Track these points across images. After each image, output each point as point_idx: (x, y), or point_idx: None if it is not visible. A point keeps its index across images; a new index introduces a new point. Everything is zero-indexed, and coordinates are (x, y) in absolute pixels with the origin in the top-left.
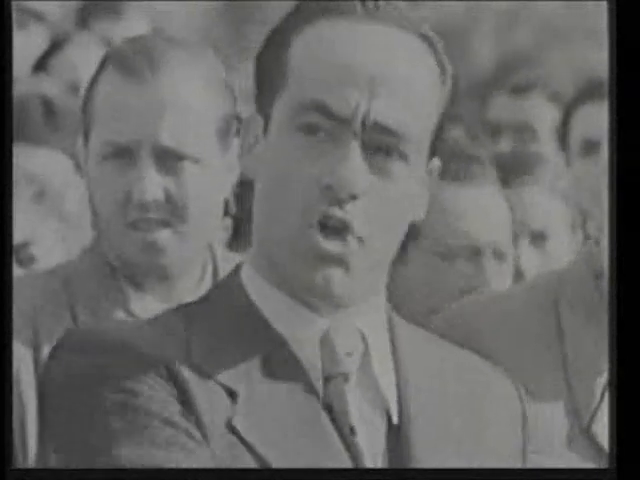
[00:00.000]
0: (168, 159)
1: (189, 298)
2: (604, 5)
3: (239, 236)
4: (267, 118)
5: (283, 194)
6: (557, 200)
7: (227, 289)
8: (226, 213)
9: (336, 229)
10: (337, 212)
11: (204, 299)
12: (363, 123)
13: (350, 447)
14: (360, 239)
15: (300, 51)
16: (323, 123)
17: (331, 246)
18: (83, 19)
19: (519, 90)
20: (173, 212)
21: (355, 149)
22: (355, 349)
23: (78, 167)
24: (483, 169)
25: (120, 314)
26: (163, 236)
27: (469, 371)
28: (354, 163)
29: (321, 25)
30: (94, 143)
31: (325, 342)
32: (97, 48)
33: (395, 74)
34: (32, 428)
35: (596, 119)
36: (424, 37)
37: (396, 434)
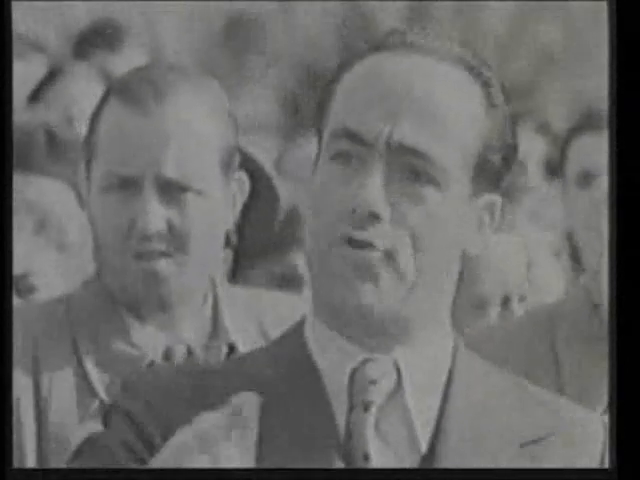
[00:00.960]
0: (172, 190)
1: (189, 329)
2: (602, 34)
3: (239, 268)
4: (318, 154)
5: (320, 222)
6: (540, 228)
7: (287, 336)
8: (226, 244)
9: (361, 246)
10: (360, 234)
11: (267, 346)
12: (388, 145)
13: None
14: (388, 254)
15: (345, 85)
16: (352, 149)
17: (359, 256)
18: (81, 49)
19: None
20: (175, 243)
21: (378, 170)
22: (382, 378)
23: (79, 197)
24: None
25: (121, 344)
26: (164, 267)
27: (539, 410)
28: (375, 183)
29: (369, 60)
30: (97, 174)
31: (356, 371)
32: (94, 79)
33: (424, 98)
34: (31, 456)
35: (593, 150)
36: (470, 68)
37: (427, 465)
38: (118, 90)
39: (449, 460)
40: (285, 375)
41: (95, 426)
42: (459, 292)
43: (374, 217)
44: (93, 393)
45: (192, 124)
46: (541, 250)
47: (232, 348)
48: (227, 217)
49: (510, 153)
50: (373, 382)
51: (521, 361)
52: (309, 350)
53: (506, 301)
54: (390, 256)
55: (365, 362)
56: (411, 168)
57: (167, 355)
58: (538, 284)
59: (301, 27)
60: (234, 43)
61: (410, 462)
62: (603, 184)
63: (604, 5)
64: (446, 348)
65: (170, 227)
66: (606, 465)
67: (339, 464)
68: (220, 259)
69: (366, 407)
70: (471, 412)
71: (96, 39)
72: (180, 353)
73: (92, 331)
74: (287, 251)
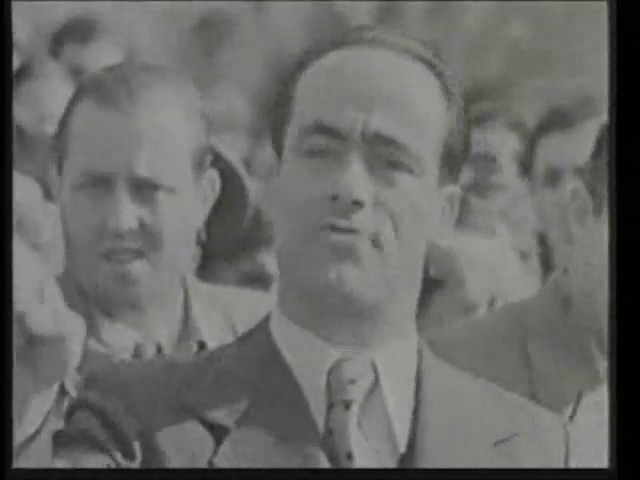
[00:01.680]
0: (144, 189)
1: (160, 327)
2: (574, 30)
3: (208, 265)
4: (280, 150)
5: (294, 216)
6: (509, 228)
7: (254, 333)
8: (196, 242)
9: (344, 232)
10: (344, 223)
11: (234, 343)
12: (363, 136)
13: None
14: (372, 241)
15: (306, 82)
16: (326, 143)
17: (341, 239)
18: (54, 47)
19: (480, 120)
20: (147, 242)
21: (356, 159)
22: (361, 377)
23: (48, 195)
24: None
25: (90, 342)
26: (137, 267)
27: (505, 410)
28: (355, 171)
29: (328, 57)
30: (68, 171)
31: (332, 370)
32: (66, 77)
33: (391, 90)
34: None
35: (561, 148)
36: (428, 63)
37: (407, 464)
38: (91, 88)
39: (428, 458)
40: (255, 371)
41: (59, 423)
42: (446, 296)
43: (357, 204)
44: (63, 390)
45: (165, 123)
46: (511, 250)
47: (202, 346)
48: (198, 215)
49: (468, 144)
50: (352, 381)
51: (492, 361)
52: (277, 346)
53: (492, 303)
54: (374, 240)
55: (342, 361)
56: (387, 157)
57: (137, 353)
58: (510, 285)
59: (274, 27)
60: (207, 42)
61: (390, 460)
62: (570, 183)
63: (577, 4)
64: (413, 344)
65: (142, 225)
66: (570, 466)
67: (324, 463)
68: (191, 257)
69: (347, 406)
70: (444, 409)
71: (69, 37)
72: (150, 351)
73: None
74: (255, 249)
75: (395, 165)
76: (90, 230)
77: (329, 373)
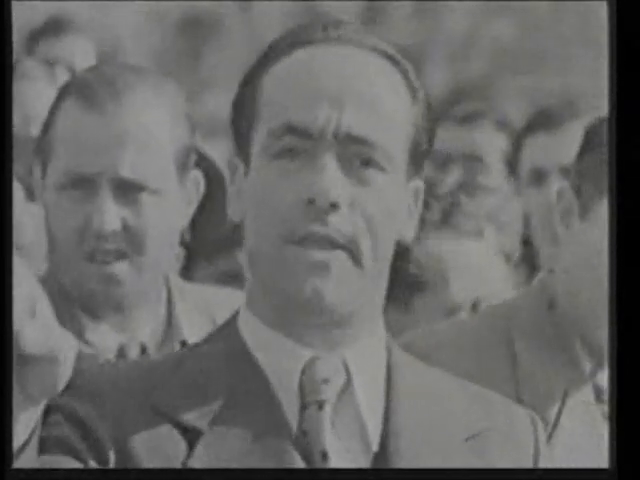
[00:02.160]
0: (127, 190)
1: (143, 327)
2: (560, 30)
3: (192, 265)
4: (247, 158)
5: (267, 220)
6: (496, 230)
7: (222, 331)
8: (180, 242)
9: (320, 244)
10: (320, 229)
11: (202, 342)
12: (335, 136)
13: (317, 473)
14: (347, 249)
15: (270, 83)
16: (297, 144)
17: (316, 255)
18: (36, 47)
19: (467, 120)
20: (131, 243)
21: (330, 160)
22: (333, 376)
23: (31, 196)
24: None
25: (81, 347)
26: (120, 268)
27: (475, 405)
28: (330, 173)
29: (293, 55)
30: (52, 172)
31: (305, 370)
32: (47, 78)
33: (361, 88)
34: None
35: (546, 148)
36: (392, 60)
37: (382, 462)
38: (75, 89)
39: (401, 456)
40: (226, 371)
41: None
42: (429, 297)
43: (334, 207)
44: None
45: (148, 124)
46: (497, 252)
47: (185, 345)
48: (182, 216)
49: (432, 139)
50: (325, 381)
51: (478, 361)
52: (247, 345)
53: (476, 305)
54: (350, 250)
55: (314, 360)
56: (359, 156)
57: (121, 353)
58: (495, 287)
59: (259, 27)
60: (191, 43)
61: (363, 459)
62: (556, 183)
63: (561, 4)
64: (382, 341)
65: (125, 227)
66: (539, 465)
67: (298, 463)
68: (175, 258)
69: (320, 406)
70: (415, 405)
71: (51, 37)
72: (134, 351)
73: None
74: (236, 249)
75: (368, 164)
76: (73, 231)
77: (302, 372)
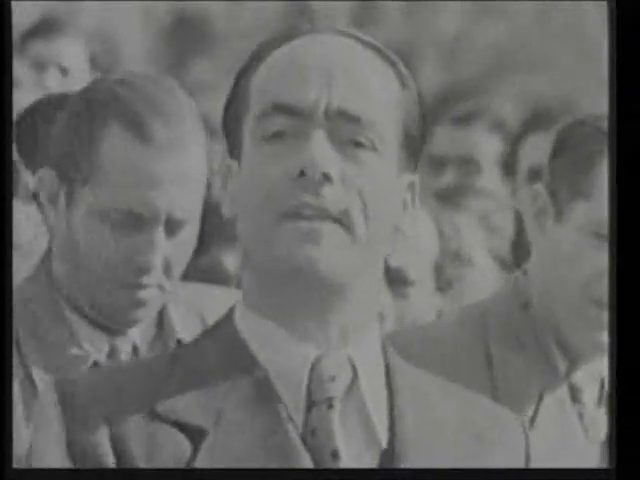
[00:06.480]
0: (175, 228)
1: (135, 327)
2: (552, 31)
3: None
4: (239, 152)
5: (261, 198)
6: (485, 230)
7: (218, 327)
8: None
9: (313, 215)
10: (313, 200)
11: (197, 340)
12: (325, 112)
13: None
14: (339, 221)
15: (260, 74)
16: (287, 123)
17: (309, 225)
18: (22, 45)
19: (461, 121)
20: (166, 273)
21: (321, 136)
22: (340, 374)
23: (40, 204)
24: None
25: (71, 348)
26: (151, 294)
27: (468, 407)
28: (322, 147)
29: (279, 50)
30: (90, 198)
31: (312, 370)
32: (38, 80)
33: (349, 69)
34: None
35: (543, 149)
36: (380, 52)
37: (390, 459)
38: (117, 113)
39: (409, 454)
40: (225, 369)
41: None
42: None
43: (326, 177)
44: (36, 393)
45: (191, 156)
46: (479, 250)
47: (179, 344)
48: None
49: (424, 135)
50: (332, 378)
51: (453, 360)
52: (245, 342)
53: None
54: (343, 221)
55: (321, 358)
56: (351, 135)
57: (112, 354)
58: (476, 286)
59: (250, 28)
60: (184, 45)
61: (373, 455)
62: (531, 184)
63: (555, 4)
64: (379, 341)
65: (165, 261)
66: (531, 465)
67: (306, 462)
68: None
69: (329, 404)
70: (415, 402)
71: (42, 38)
72: (125, 352)
73: (34, 331)
74: (216, 247)
75: (359, 143)
76: (113, 262)
77: (310, 370)
